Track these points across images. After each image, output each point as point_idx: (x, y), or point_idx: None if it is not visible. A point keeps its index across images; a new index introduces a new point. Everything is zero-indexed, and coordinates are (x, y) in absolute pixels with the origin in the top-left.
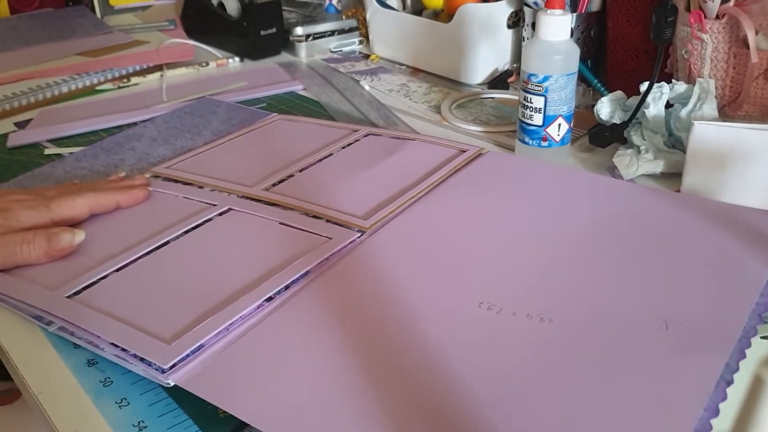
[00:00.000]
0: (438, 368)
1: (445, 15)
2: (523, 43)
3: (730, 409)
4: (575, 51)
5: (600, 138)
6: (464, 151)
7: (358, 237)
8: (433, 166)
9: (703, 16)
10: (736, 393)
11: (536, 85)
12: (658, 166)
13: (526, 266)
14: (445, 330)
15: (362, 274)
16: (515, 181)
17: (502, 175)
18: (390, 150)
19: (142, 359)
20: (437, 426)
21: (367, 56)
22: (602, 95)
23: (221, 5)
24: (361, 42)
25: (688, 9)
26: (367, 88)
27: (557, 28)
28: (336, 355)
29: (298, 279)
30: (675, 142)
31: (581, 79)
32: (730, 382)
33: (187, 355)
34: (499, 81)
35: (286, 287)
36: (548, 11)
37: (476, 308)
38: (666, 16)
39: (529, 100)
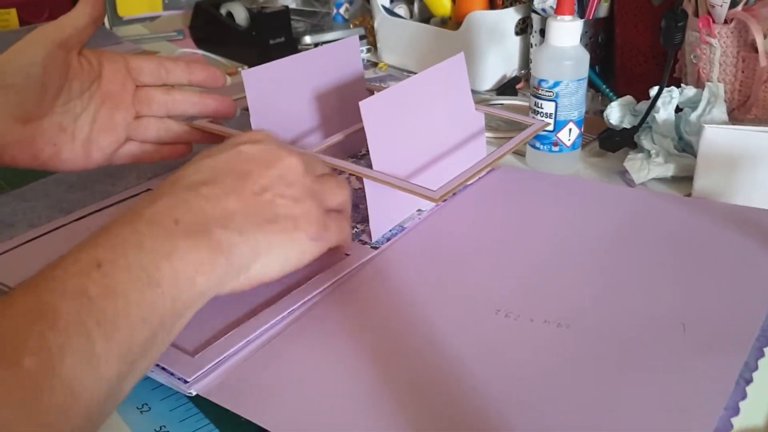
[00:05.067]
0: (457, 375)
1: (453, 22)
2: (532, 50)
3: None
4: (585, 56)
5: (610, 142)
6: None
7: (375, 252)
8: None
9: (711, 20)
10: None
11: (547, 91)
12: (668, 170)
13: (541, 274)
14: (463, 337)
15: (378, 285)
16: (526, 193)
17: (513, 187)
18: None
19: (164, 369)
20: None
21: (375, 64)
22: (611, 100)
23: (230, 15)
24: (369, 50)
25: (696, 14)
26: None
27: (567, 33)
28: (355, 364)
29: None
30: (685, 145)
31: (590, 84)
32: (749, 381)
33: (210, 367)
34: (507, 87)
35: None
36: (558, 17)
37: (494, 315)
38: (676, 21)
39: (539, 105)
